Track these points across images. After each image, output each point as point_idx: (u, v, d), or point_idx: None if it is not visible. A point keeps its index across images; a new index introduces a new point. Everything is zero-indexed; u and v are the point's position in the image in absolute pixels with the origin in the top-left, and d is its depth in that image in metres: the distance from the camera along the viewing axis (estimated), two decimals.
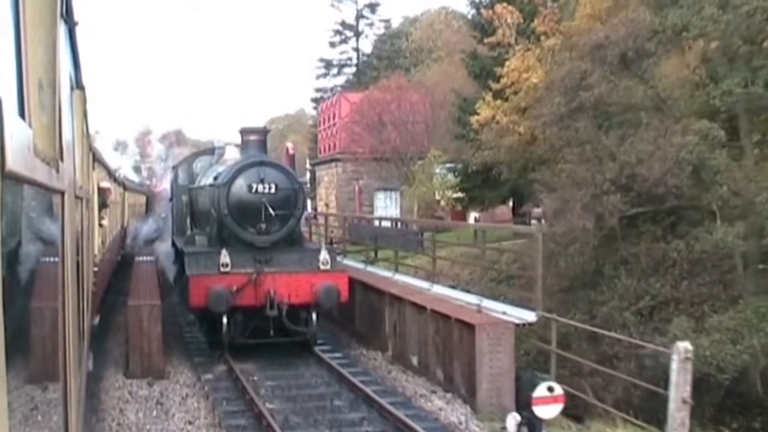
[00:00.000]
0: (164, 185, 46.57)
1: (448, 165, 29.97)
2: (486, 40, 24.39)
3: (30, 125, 1.71)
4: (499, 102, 20.48)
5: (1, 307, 1.33)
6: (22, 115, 1.67)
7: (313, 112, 65.23)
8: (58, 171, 2.33)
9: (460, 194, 28.48)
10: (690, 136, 13.65)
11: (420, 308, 12.25)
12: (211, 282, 12.13)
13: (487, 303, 11.71)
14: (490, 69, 27.78)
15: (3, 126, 1.30)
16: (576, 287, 16.30)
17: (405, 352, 12.75)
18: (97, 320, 10.36)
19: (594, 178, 14.70)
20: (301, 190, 13.27)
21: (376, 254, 19.61)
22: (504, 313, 10.86)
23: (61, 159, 2.52)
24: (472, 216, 37.94)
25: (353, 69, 60.88)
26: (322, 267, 12.74)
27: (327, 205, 39.70)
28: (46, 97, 2.14)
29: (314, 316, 12.74)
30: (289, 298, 12.38)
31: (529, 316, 10.40)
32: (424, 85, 36.27)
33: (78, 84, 4.80)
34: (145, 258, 21.26)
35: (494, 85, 21.54)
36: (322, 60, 60.25)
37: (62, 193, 2.60)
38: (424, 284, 14.22)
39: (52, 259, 2.53)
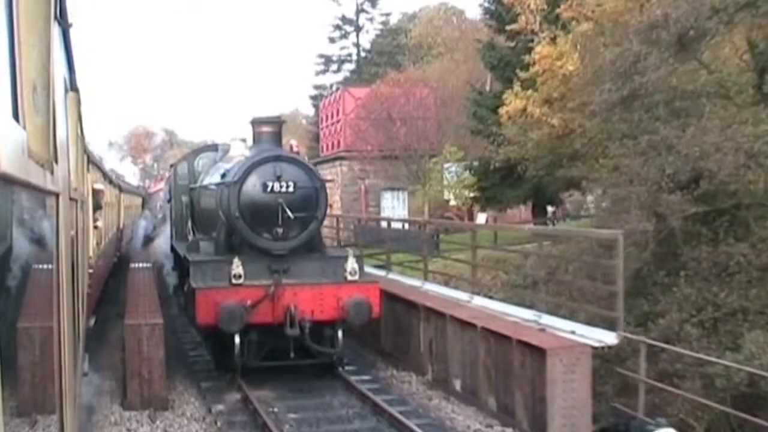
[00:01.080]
0: (159, 186, 45.02)
1: (463, 163, 28.30)
2: (508, 27, 22.73)
3: (24, 127, 1.77)
4: (530, 92, 18.82)
5: None
6: (16, 117, 1.73)
7: (309, 111, 63.66)
8: (52, 173, 2.38)
9: (476, 194, 26.75)
10: (764, 125, 12.04)
11: (465, 324, 10.61)
12: (221, 296, 10.45)
13: (548, 319, 10.07)
14: (508, 60, 26.20)
15: None
16: (625, 296, 14.64)
17: (446, 375, 11.11)
18: (92, 322, 10.08)
19: (650, 173, 13.06)
20: (322, 189, 11.60)
21: (388, 258, 17.93)
22: (573, 332, 9.22)
23: (56, 161, 2.57)
24: (482, 217, 36.36)
25: (353, 65, 59.23)
26: (349, 277, 11.07)
27: (331, 205, 37.99)
28: (40, 99, 2.19)
29: (340, 334, 11.07)
30: (312, 314, 10.72)
31: (608, 337, 8.75)
32: (430, 79, 34.64)
33: (72, 86, 4.79)
34: (141, 265, 19.57)
35: (522, 74, 19.88)
36: (321, 56, 58.66)
37: (57, 195, 2.63)
38: (461, 295, 12.57)
39: (46, 261, 2.53)
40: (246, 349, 10.74)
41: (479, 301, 12.02)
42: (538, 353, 8.59)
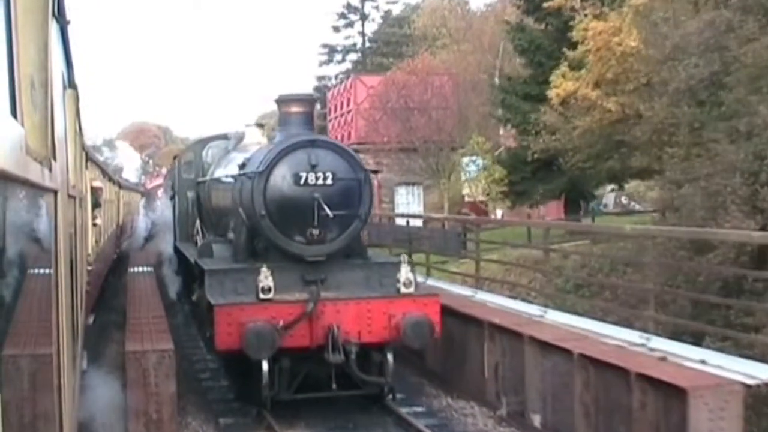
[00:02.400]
0: (156, 182, 43.06)
1: (490, 155, 26.24)
2: (546, 4, 20.71)
3: (22, 124, 1.79)
4: (582, 72, 16.79)
5: None
6: (14, 114, 1.75)
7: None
8: (50, 170, 2.40)
9: (504, 188, 24.72)
10: None
11: (549, 347, 8.60)
12: (246, 315, 8.43)
13: (661, 343, 8.06)
14: (540, 43, 24.22)
15: None
16: (704, 306, 12.63)
17: (521, 409, 9.10)
18: (92, 320, 9.91)
19: (745, 162, 11.05)
20: (366, 181, 9.58)
21: (428, 261, 15.98)
22: (703, 362, 7.20)
23: (54, 158, 2.62)
24: (498, 214, 34.39)
25: (358, 55, 57.21)
26: (403, 290, 9.05)
27: None
28: (38, 96, 2.23)
29: (390, 358, 9.04)
30: (359, 335, 8.72)
31: (763, 372, 6.73)
32: (446, 67, 32.59)
33: (70, 83, 4.85)
34: (141, 268, 17.58)
35: (570, 53, 17.80)
36: (325, 45, 56.63)
37: (55, 192, 2.66)
38: (530, 308, 10.55)
39: (44, 259, 2.53)
40: (276, 379, 8.71)
41: (555, 316, 10.00)
42: (671, 393, 6.58)
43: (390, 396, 9.26)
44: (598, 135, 17.56)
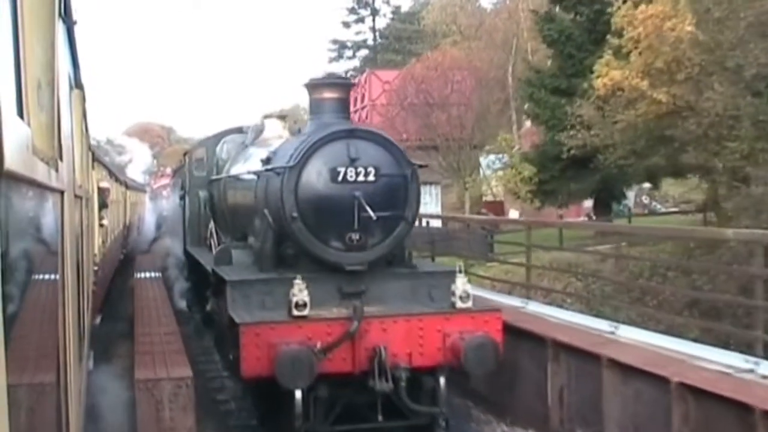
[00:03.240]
0: (162, 182, 41.93)
1: (517, 153, 24.96)
2: None
3: (29, 125, 1.80)
4: (633, 59, 15.46)
5: (1, 306, 1.35)
6: (20, 114, 1.74)
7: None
8: (57, 170, 2.43)
9: (532, 187, 23.38)
10: None
11: (632, 372, 7.32)
12: (278, 335, 7.16)
13: None
14: (570, 33, 22.93)
15: (1, 125, 1.34)
16: None
17: None
18: (98, 320, 9.76)
19: None
20: (414, 178, 8.31)
21: (433, 259, 14.91)
22: None
23: (60, 158, 2.62)
24: (513, 214, 33.12)
25: (368, 51, 56.01)
26: (460, 304, 7.75)
27: None
28: (45, 96, 2.20)
29: (442, 382, 7.76)
30: (410, 359, 7.44)
31: None
32: (469, 60, 31.32)
33: (77, 83, 4.79)
34: (148, 274, 16.36)
35: (614, 41, 16.44)
36: (335, 41, 55.42)
37: (61, 193, 2.67)
38: (596, 323, 9.26)
39: (51, 259, 2.54)
40: (312, 409, 7.43)
41: (628, 332, 8.70)
42: None
43: (444, 426, 7.96)
44: (642, 130, 16.23)
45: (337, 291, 8.02)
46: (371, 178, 7.95)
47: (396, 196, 8.16)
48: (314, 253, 8.05)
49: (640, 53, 14.78)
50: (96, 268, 8.91)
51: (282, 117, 12.79)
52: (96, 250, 9.30)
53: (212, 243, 12.49)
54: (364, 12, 54.83)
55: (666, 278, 18.53)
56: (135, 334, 9.17)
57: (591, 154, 19.30)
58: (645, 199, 44.29)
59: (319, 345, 7.11)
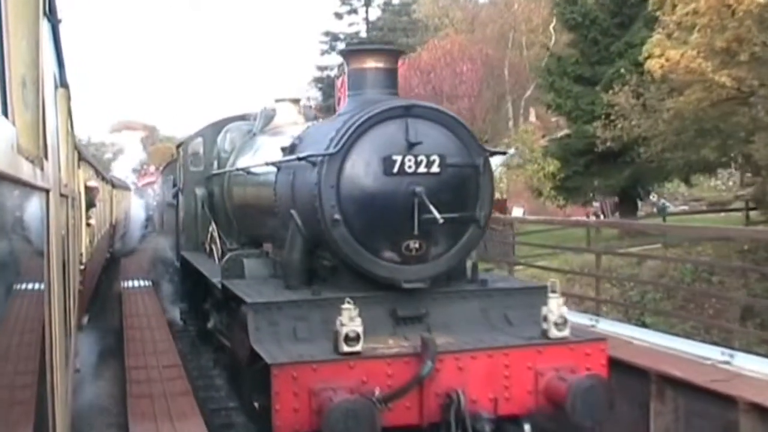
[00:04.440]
0: (147, 179, 40.13)
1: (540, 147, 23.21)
2: None
3: (13, 123, 1.81)
4: (695, 36, 13.69)
5: None
6: (5, 113, 1.76)
7: (314, 96, 58.21)
8: (42, 169, 2.42)
9: (555, 183, 21.67)
10: None
11: None
12: (323, 379, 5.36)
13: None
14: (595, 16, 21.26)
15: None
16: None
17: None
18: (86, 320, 9.65)
19: None
20: (487, 169, 6.52)
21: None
22: None
23: (46, 157, 2.62)
24: (517, 211, 31.50)
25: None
26: (555, 332, 5.97)
27: None
28: (30, 95, 2.22)
29: (527, 430, 5.97)
30: (494, 406, 5.67)
31: None
32: (475, 50, 29.58)
33: (62, 82, 4.76)
34: (137, 283, 14.48)
35: (666, 18, 14.69)
36: (327, 33, 53.35)
37: (47, 192, 2.66)
38: (701, 349, 7.51)
39: (36, 258, 2.55)
40: None
41: (749, 363, 6.95)
42: None
43: None
44: (692, 118, 14.54)
45: (390, 315, 6.24)
46: (435, 168, 6.17)
47: (465, 192, 6.39)
48: (360, 267, 6.25)
49: (698, 30, 13.10)
50: (83, 267, 8.83)
51: (296, 100, 11.00)
52: (83, 250, 9.17)
53: (214, 248, 10.68)
54: (356, 2, 52.86)
55: (710, 283, 16.99)
56: (126, 366, 7.34)
57: (626, 147, 17.66)
58: (653, 197, 42.83)
59: (377, 392, 5.32)
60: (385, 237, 6.20)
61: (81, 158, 10.04)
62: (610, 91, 17.23)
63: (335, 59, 54.21)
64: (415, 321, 6.28)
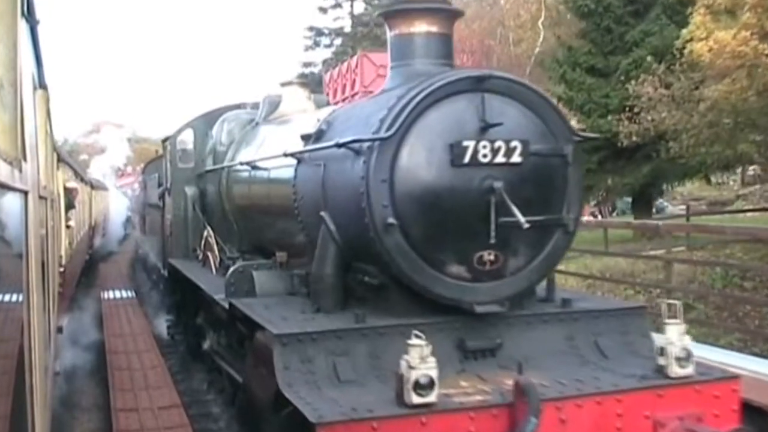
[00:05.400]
0: (124, 180, 38.80)
1: None
2: None
3: None
4: (747, 16, 12.40)
5: None
6: None
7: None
8: (20, 171, 2.43)
9: None
10: None
11: None
12: None
13: None
14: (608, 3, 20.02)
15: None
16: None
17: None
18: (65, 322, 9.37)
19: None
20: (577, 159, 5.15)
21: None
22: None
23: (24, 159, 2.61)
24: None
25: (344, 38, 52.65)
26: (677, 370, 4.61)
27: None
28: (8, 96, 2.22)
29: None
30: None
31: None
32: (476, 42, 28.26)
33: (41, 83, 4.78)
34: (118, 293, 13.00)
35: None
36: (311, 28, 51.83)
37: (25, 193, 2.66)
38: None
39: (15, 260, 2.54)
40: None
41: None
42: None
43: None
44: (730, 110, 13.29)
45: (456, 348, 4.86)
46: (516, 158, 4.81)
47: (550, 188, 5.04)
48: (419, 285, 4.86)
49: (748, 10, 11.84)
50: (62, 269, 8.73)
51: (304, 84, 9.61)
52: (62, 252, 9.10)
53: (209, 256, 9.25)
54: None
55: (743, 289, 15.84)
56: (112, 407, 5.88)
57: (645, 143, 16.45)
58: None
59: None
60: (452, 247, 4.82)
61: (60, 159, 9.76)
62: (633, 82, 15.99)
63: (320, 55, 52.89)
64: (487, 354, 4.91)
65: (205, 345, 9.16)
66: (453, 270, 4.83)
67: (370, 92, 28.25)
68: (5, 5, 2.28)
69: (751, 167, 31.24)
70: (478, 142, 4.71)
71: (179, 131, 11.26)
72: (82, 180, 16.11)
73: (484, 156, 4.72)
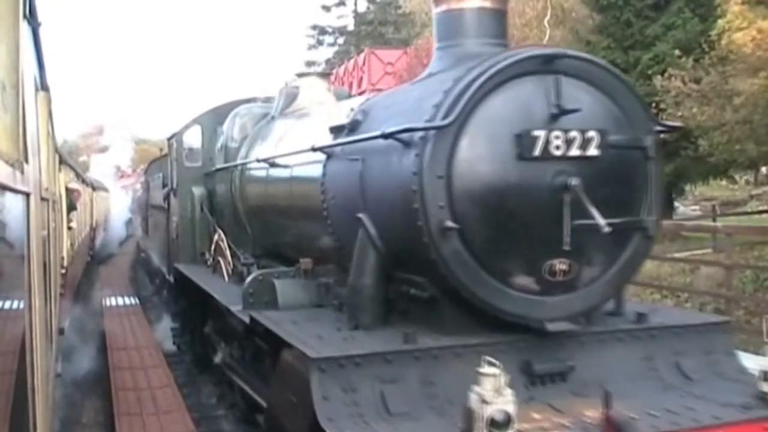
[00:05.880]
0: (124, 182, 38.31)
1: None
2: None
3: None
4: None
5: None
6: None
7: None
8: (22, 172, 2.42)
9: None
10: None
11: None
12: None
13: None
14: None
15: None
16: None
17: None
18: (66, 323, 9.15)
19: None
20: (658, 152, 4.45)
21: None
22: None
23: (26, 160, 2.61)
24: None
25: (347, 37, 51.97)
26: None
27: None
28: (9, 98, 2.22)
29: None
30: None
31: None
32: None
33: (43, 85, 4.74)
34: (120, 300, 12.34)
35: None
36: (314, 27, 51.12)
37: (27, 195, 2.67)
38: None
39: (17, 262, 2.56)
40: None
41: None
42: None
43: None
44: (765, 105, 12.61)
45: (521, 371, 4.17)
46: (592, 151, 4.12)
47: (629, 185, 4.35)
48: (480, 299, 4.16)
49: None
50: (64, 270, 8.68)
51: (323, 74, 8.95)
52: (64, 253, 9.03)
53: (221, 261, 8.57)
54: None
55: None
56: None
57: (672, 140, 15.75)
58: None
59: None
60: (518, 254, 4.13)
61: (62, 161, 9.59)
62: (659, 77, 15.30)
63: (323, 54, 52.17)
64: (557, 379, 4.23)
65: (217, 358, 8.49)
66: (519, 281, 4.14)
67: (379, 90, 27.60)
68: (7, 7, 2.29)
69: (765, 167, 30.57)
70: (550, 131, 4.02)
71: (186, 128, 10.59)
72: (83, 181, 15.91)
73: (557, 148, 4.03)
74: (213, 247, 9.07)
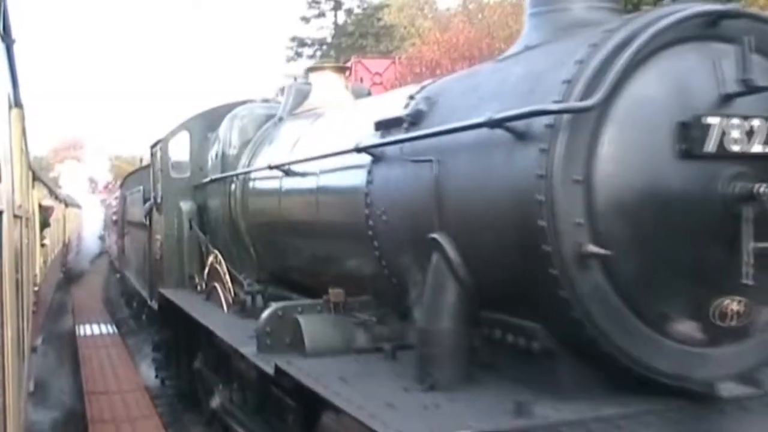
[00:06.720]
0: (100, 196, 37.69)
1: None
2: None
3: None
4: None
5: None
6: None
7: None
8: None
9: None
10: None
11: None
12: None
13: None
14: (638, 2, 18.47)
15: None
16: None
17: None
18: (39, 341, 9.14)
19: None
20: None
21: None
22: None
23: None
24: None
25: (325, 48, 51.09)
26: None
27: None
28: None
29: None
30: None
31: None
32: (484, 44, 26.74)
33: (17, 102, 4.73)
34: (96, 329, 11.11)
35: None
36: (294, 39, 50.05)
37: (0, 213, 2.61)
38: None
39: None
40: None
41: None
42: None
43: None
44: None
45: None
46: None
47: None
48: (625, 353, 2.97)
49: None
50: (36, 288, 8.50)
51: (340, 68, 7.84)
52: (37, 270, 8.97)
53: (218, 288, 7.35)
54: (325, 6, 49.73)
55: None
56: None
57: None
58: None
59: None
60: (681, 291, 2.95)
61: (35, 178, 9.52)
62: None
63: (303, 66, 51.13)
64: None
65: (214, 403, 7.22)
66: (680, 329, 2.97)
67: None
68: None
69: None
70: (727, 118, 2.87)
71: (172, 134, 9.40)
72: (56, 198, 15.61)
73: (735, 142, 2.88)
74: (207, 270, 7.84)
